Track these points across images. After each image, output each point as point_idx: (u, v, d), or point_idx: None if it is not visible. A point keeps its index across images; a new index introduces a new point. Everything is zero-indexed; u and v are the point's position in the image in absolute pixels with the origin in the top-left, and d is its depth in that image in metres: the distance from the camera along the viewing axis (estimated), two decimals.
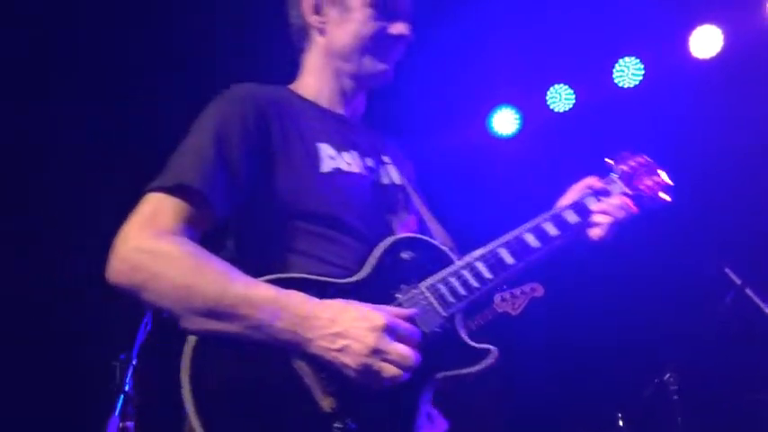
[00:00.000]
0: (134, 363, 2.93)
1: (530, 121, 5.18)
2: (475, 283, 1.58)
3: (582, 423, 4.25)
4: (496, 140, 5.25)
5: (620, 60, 4.80)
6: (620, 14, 4.50)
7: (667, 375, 3.86)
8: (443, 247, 1.65)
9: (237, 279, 1.41)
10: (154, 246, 1.42)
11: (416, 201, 1.81)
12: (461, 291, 1.57)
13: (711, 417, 4.02)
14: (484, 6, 4.46)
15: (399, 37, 1.77)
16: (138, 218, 1.46)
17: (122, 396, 2.88)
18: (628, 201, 1.83)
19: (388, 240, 1.59)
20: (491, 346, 1.53)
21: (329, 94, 1.79)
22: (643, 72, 4.78)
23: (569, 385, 4.66)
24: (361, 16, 1.75)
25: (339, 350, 1.36)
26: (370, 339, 1.36)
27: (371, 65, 1.76)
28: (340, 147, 1.69)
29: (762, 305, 3.61)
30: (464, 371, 1.50)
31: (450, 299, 1.55)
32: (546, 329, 4.79)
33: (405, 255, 1.58)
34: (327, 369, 1.39)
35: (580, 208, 1.81)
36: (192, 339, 1.40)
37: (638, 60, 4.77)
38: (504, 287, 3.61)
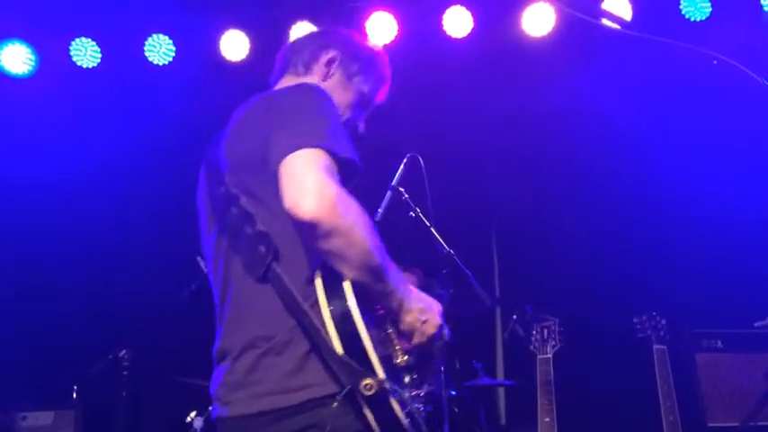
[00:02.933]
0: None
1: (48, 65, 4.76)
2: None
3: (33, 396, 4.19)
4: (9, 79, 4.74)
5: (154, 35, 4.74)
6: None
7: (122, 352, 4.02)
8: None
9: None
10: (351, 200, 1.66)
11: None
12: None
13: (154, 392, 4.34)
14: None
15: (357, 132, 2.20)
16: (324, 168, 1.64)
17: None
18: None
19: None
20: None
21: None
22: (174, 53, 4.79)
23: (19, 357, 4.48)
24: (351, 98, 2.15)
25: (424, 321, 1.83)
26: (439, 318, 1.87)
27: None
28: None
29: None
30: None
31: None
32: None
33: None
34: (404, 336, 1.84)
35: None
36: (347, 282, 1.67)
37: (170, 40, 4.76)
38: None
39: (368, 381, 1.58)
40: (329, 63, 2.14)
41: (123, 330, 4.38)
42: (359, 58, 2.17)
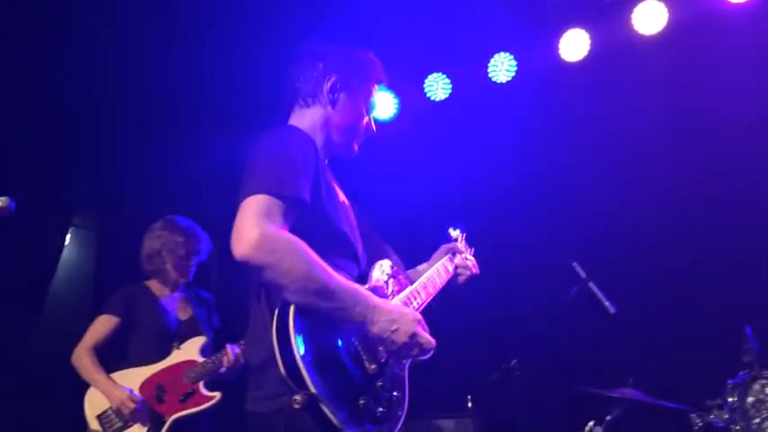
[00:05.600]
0: None
1: (407, 107, 5.41)
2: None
3: (435, 405, 4.48)
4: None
5: (496, 55, 5.16)
6: (496, 11, 4.93)
7: (513, 361, 4.27)
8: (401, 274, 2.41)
9: (334, 272, 1.96)
10: (281, 235, 1.89)
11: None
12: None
13: (547, 401, 4.47)
14: None
15: (371, 131, 2.42)
16: (259, 213, 1.90)
17: None
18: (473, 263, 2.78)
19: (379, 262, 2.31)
20: None
21: (322, 146, 2.31)
22: (516, 68, 5.16)
23: (424, 369, 4.89)
24: (361, 110, 2.35)
25: (393, 331, 2.02)
26: (412, 327, 2.05)
27: (354, 147, 2.39)
28: (333, 182, 2.30)
29: (603, 299, 3.84)
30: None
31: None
32: None
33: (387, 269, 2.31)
34: (373, 346, 2.04)
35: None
36: (292, 307, 1.90)
37: (511, 56, 5.17)
38: None
39: (296, 396, 1.82)
40: (332, 90, 2.31)
41: (511, 340, 4.50)
42: (358, 71, 2.35)
